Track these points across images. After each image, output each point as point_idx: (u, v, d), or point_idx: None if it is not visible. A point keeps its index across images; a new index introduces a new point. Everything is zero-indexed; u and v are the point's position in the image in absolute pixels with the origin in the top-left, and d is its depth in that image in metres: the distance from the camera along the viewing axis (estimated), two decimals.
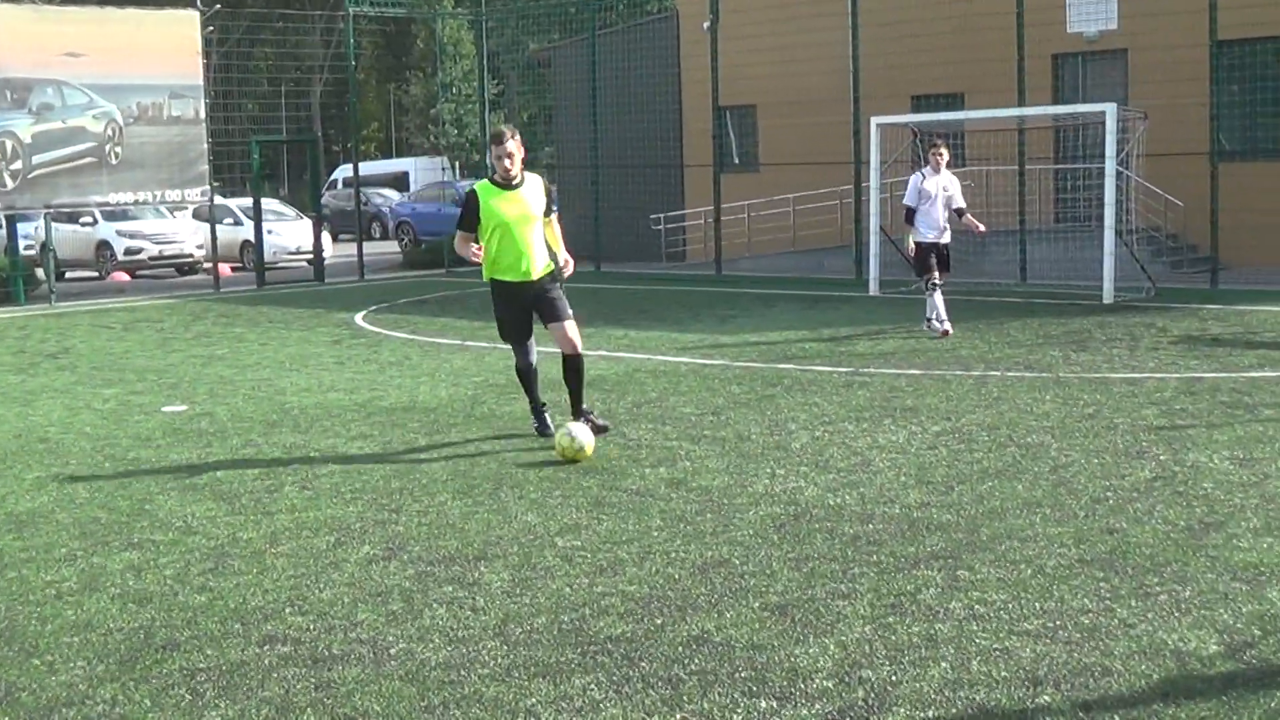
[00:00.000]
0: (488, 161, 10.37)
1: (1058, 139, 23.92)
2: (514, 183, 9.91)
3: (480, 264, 10.07)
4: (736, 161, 29.34)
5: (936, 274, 15.59)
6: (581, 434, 9.41)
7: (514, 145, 9.78)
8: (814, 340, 15.67)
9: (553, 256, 10.24)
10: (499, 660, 5.67)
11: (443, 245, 30.50)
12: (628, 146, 29.71)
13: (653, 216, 29.14)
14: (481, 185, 10.06)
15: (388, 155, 67.95)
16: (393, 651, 5.82)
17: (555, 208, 10.34)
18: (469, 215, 10.00)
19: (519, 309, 10.15)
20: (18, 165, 24.24)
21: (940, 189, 15.68)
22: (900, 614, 6.04)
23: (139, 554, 7.51)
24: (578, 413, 10.05)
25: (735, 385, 12.55)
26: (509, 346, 10.51)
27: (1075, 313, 17.44)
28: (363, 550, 7.42)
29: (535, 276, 10.04)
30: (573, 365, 10.09)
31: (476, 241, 10.05)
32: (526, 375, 10.35)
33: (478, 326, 17.93)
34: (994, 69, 23.31)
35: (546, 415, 10.33)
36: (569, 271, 10.23)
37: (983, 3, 23.89)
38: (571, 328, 10.07)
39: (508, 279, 10.03)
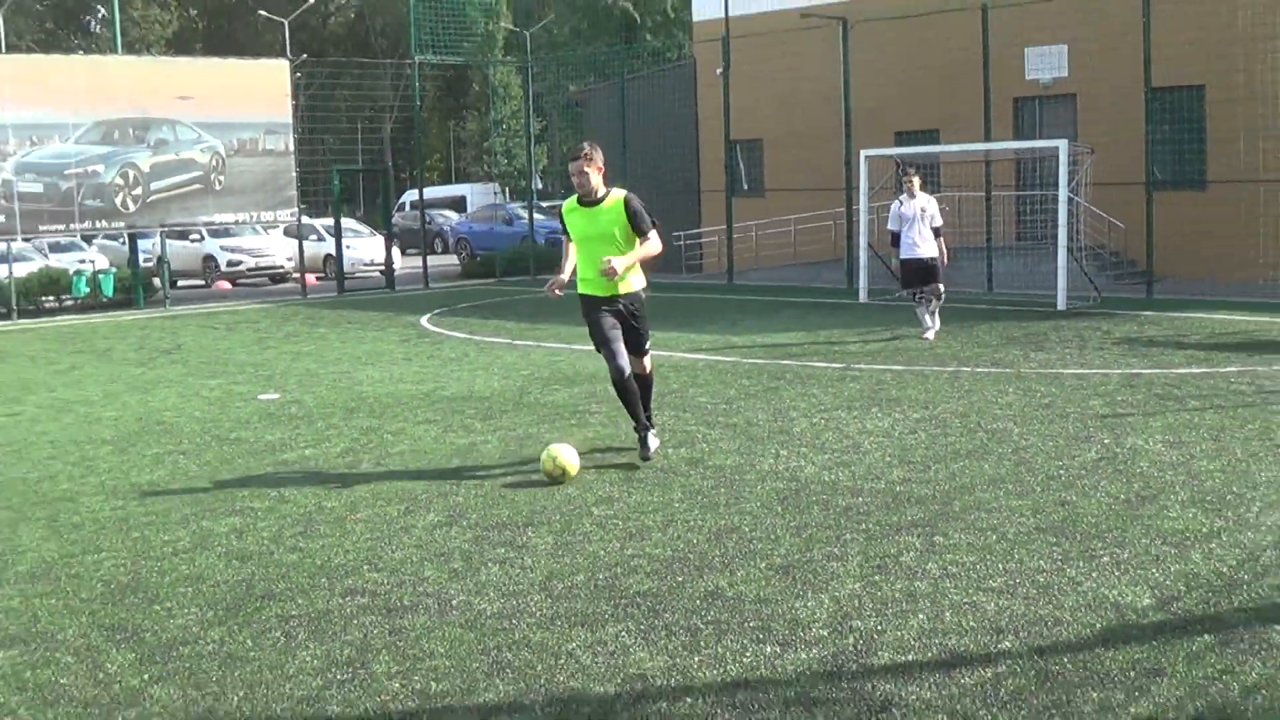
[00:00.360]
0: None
1: (1018, 170, 23.86)
2: (593, 199, 8.70)
3: (560, 288, 8.90)
4: (745, 187, 29.26)
5: (923, 288, 15.46)
6: (565, 455, 8.29)
7: (586, 164, 8.55)
8: (812, 341, 15.65)
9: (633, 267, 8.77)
10: (544, 611, 5.71)
11: (494, 258, 30.56)
12: (653, 174, 29.64)
13: (674, 234, 29.09)
14: (568, 201, 8.91)
15: (448, 181, 67.82)
16: (454, 603, 5.87)
17: (651, 222, 8.71)
18: (563, 226, 8.97)
19: (598, 315, 8.73)
20: (138, 191, 24.41)
21: (919, 210, 15.49)
22: (885, 573, 6.06)
23: (240, 519, 7.58)
24: (639, 423, 8.84)
25: (745, 379, 12.55)
26: (594, 350, 9.05)
27: (1033, 318, 17.38)
28: (429, 517, 7.46)
29: (610, 293, 8.73)
30: (642, 381, 8.93)
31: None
32: (620, 386, 8.70)
33: (525, 328, 17.98)
34: (964, 109, 23.23)
35: (650, 435, 8.86)
36: (605, 267, 8.49)
37: (955, 53, 23.81)
38: (647, 360, 8.99)
39: (585, 292, 8.83)
